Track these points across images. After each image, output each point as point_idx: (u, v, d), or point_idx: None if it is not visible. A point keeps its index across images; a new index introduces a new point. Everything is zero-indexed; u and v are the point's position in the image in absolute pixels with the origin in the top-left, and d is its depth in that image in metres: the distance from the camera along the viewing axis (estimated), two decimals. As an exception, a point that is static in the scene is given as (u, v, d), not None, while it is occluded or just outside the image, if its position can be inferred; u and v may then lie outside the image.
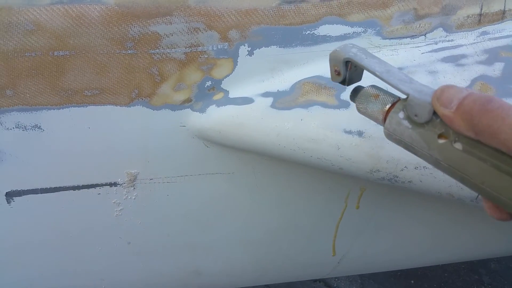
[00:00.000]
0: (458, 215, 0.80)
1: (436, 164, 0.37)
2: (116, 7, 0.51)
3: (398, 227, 0.82)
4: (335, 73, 0.44)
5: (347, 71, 0.43)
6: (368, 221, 0.78)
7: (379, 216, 0.78)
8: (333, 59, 0.43)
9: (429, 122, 0.36)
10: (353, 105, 0.56)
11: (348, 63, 0.43)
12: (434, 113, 0.36)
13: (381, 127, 0.54)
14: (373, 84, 0.42)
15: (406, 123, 0.38)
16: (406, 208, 0.79)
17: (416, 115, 0.37)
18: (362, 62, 0.41)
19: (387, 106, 0.40)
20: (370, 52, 0.43)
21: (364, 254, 0.85)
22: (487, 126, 0.31)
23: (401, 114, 0.38)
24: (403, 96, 0.39)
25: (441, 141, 0.35)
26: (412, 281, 1.62)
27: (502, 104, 0.31)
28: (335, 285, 1.60)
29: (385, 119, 0.40)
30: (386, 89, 0.42)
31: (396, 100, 0.40)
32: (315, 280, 1.59)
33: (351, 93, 0.44)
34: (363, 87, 0.43)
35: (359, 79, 0.45)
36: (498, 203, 0.33)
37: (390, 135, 0.40)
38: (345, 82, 0.45)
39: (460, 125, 0.33)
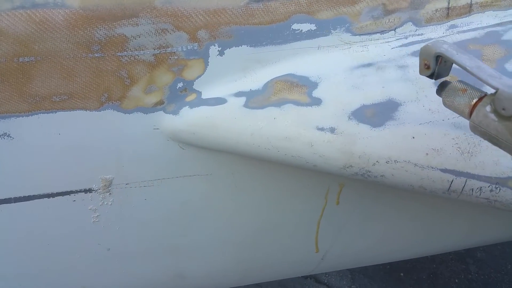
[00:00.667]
0: (441, 206, 0.80)
1: None
2: (81, 11, 0.50)
3: (381, 221, 0.83)
4: (425, 66, 0.46)
5: (437, 66, 0.45)
6: (349, 217, 0.79)
7: (360, 211, 0.79)
8: (424, 53, 0.45)
9: None
10: (325, 101, 0.57)
11: (438, 58, 0.44)
12: None
13: (352, 123, 0.54)
14: (460, 79, 0.44)
15: (492, 116, 0.40)
16: (387, 202, 0.79)
17: (503, 109, 0.39)
18: (454, 57, 0.43)
19: (474, 100, 0.42)
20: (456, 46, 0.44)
21: (348, 249, 0.85)
22: None
23: (488, 108, 0.40)
24: (491, 91, 0.41)
25: None
26: (402, 274, 1.64)
27: None
28: (325, 280, 1.61)
29: (471, 113, 0.42)
30: (473, 85, 0.43)
31: (484, 95, 0.42)
32: (306, 277, 1.60)
33: (438, 87, 0.46)
34: (451, 82, 0.45)
35: (447, 74, 0.47)
36: None
37: (475, 128, 0.41)
38: (433, 76, 0.46)
39: None
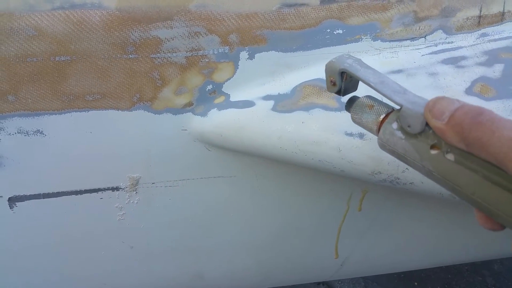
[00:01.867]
0: (461, 216, 0.79)
1: (429, 174, 0.37)
2: (117, 12, 0.51)
3: (401, 229, 0.82)
4: (331, 83, 0.45)
5: (343, 82, 0.44)
6: (371, 223, 0.78)
7: (382, 218, 0.78)
8: (328, 70, 0.44)
9: (422, 133, 0.36)
10: (354, 107, 0.56)
11: (343, 73, 0.43)
12: (427, 124, 0.36)
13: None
14: (368, 94, 0.43)
15: (399, 133, 0.38)
16: (408, 210, 0.79)
17: (409, 126, 0.37)
18: (357, 73, 0.41)
19: (381, 117, 0.40)
20: (365, 62, 0.43)
21: (367, 256, 0.84)
22: (477, 138, 0.31)
23: (395, 125, 0.38)
24: (397, 107, 0.39)
25: (433, 152, 0.35)
26: (416, 283, 1.62)
27: (492, 117, 0.31)
28: (338, 287, 1.60)
29: (379, 129, 0.40)
30: (381, 99, 0.42)
31: (390, 111, 0.40)
32: (318, 283, 1.59)
33: (346, 103, 0.45)
34: (358, 97, 0.43)
35: (355, 89, 0.46)
36: (488, 213, 0.34)
37: (383, 146, 0.40)
38: (340, 92, 0.45)
39: (451, 137, 0.33)
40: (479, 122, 0.31)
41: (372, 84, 0.40)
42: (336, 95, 0.58)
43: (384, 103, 0.41)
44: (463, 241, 0.87)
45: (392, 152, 0.39)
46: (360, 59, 0.43)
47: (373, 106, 0.41)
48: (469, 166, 0.33)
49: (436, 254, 0.91)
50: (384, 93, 0.39)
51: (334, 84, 0.44)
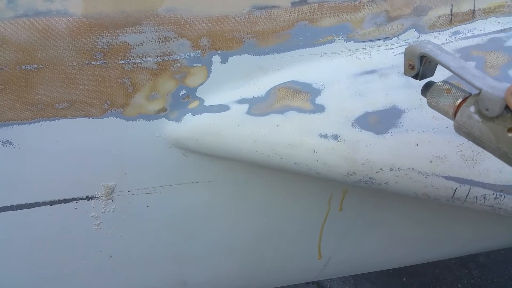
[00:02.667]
0: (444, 212, 0.80)
1: (504, 157, 0.38)
2: (84, 19, 0.50)
3: (383, 227, 0.82)
4: (409, 67, 0.45)
5: (421, 66, 0.45)
6: (352, 223, 0.78)
7: (363, 217, 0.78)
8: (408, 54, 0.45)
9: (499, 117, 0.38)
10: (328, 108, 0.57)
11: (423, 58, 0.44)
12: (506, 108, 0.37)
13: (355, 130, 0.54)
14: (445, 80, 0.44)
15: (476, 116, 0.39)
16: (389, 208, 0.79)
17: (487, 109, 0.38)
18: (438, 57, 0.42)
19: (459, 101, 0.42)
20: (445, 49, 0.44)
21: (351, 255, 0.85)
22: None
23: (472, 108, 0.40)
24: (475, 92, 0.40)
25: (510, 134, 0.37)
26: (405, 279, 1.63)
27: None
28: (328, 286, 1.60)
29: (455, 113, 0.41)
30: (457, 85, 0.43)
31: (468, 95, 0.41)
32: (308, 283, 1.59)
33: (423, 87, 0.45)
34: (435, 82, 0.44)
35: (432, 74, 0.46)
36: None
37: (460, 128, 0.41)
38: (417, 76, 0.46)
39: None
40: None
41: (452, 68, 0.41)
42: (310, 96, 0.58)
43: (461, 88, 0.42)
44: (447, 236, 0.88)
45: (468, 135, 0.41)
46: (439, 45, 0.44)
47: (450, 90, 0.42)
48: None
49: (421, 251, 0.92)
50: (465, 77, 0.40)
51: (413, 68, 0.45)
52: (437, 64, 0.43)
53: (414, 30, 0.61)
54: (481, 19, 0.63)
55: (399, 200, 0.76)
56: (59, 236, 0.66)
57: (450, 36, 0.63)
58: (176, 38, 0.53)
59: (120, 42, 0.52)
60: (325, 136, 0.55)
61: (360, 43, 0.59)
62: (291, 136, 0.56)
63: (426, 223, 0.83)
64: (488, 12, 0.63)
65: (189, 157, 0.63)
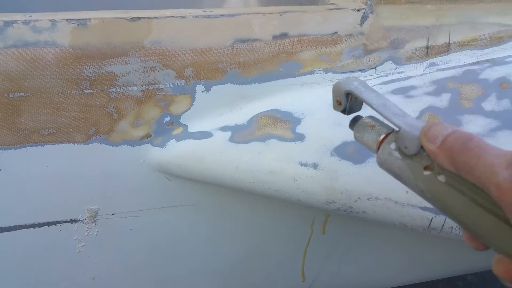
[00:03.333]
0: (424, 237, 0.81)
1: (421, 194, 0.39)
2: (71, 49, 0.52)
3: (367, 249, 0.83)
4: (337, 103, 0.47)
5: (348, 102, 0.46)
6: (335, 246, 0.79)
7: (346, 240, 0.80)
8: (335, 91, 0.47)
9: (417, 155, 0.39)
10: (307, 137, 0.58)
11: (349, 94, 0.46)
12: (422, 146, 0.39)
13: (334, 159, 0.56)
14: (371, 115, 0.45)
15: (396, 154, 0.40)
16: (372, 231, 0.80)
17: (405, 147, 0.39)
18: (361, 95, 0.44)
19: (381, 137, 0.43)
20: (369, 85, 0.46)
21: (335, 278, 0.85)
22: (465, 162, 0.33)
23: (393, 145, 0.41)
24: (396, 129, 0.42)
25: (426, 172, 0.38)
26: (392, 298, 1.63)
27: (480, 143, 0.34)
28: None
29: (378, 148, 0.43)
30: (382, 121, 0.45)
31: (390, 132, 0.43)
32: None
33: (350, 122, 0.47)
34: (362, 117, 0.46)
35: (359, 109, 0.48)
36: (474, 234, 0.36)
37: (382, 164, 0.42)
38: (345, 111, 0.48)
39: (443, 160, 0.36)
40: (468, 147, 0.34)
41: (374, 106, 0.43)
42: (290, 125, 0.59)
43: (385, 124, 0.44)
44: (428, 260, 0.89)
45: (389, 171, 0.42)
46: (365, 82, 0.45)
47: (374, 126, 0.44)
48: (458, 188, 0.35)
49: (403, 272, 0.92)
50: (385, 115, 0.41)
51: (340, 104, 0.47)
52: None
53: (391, 62, 0.64)
54: (456, 52, 0.66)
55: (381, 225, 0.78)
56: (43, 258, 0.66)
57: (426, 68, 0.65)
58: (161, 68, 0.55)
59: (107, 72, 0.54)
60: (305, 165, 0.57)
61: (339, 74, 0.61)
62: (272, 163, 0.58)
63: (407, 247, 0.84)
64: (463, 45, 0.66)
65: (173, 181, 0.64)
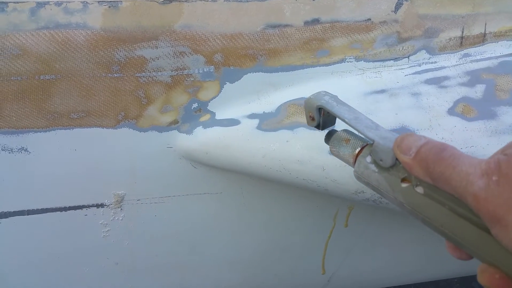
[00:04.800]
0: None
1: (401, 206, 0.38)
2: (102, 32, 0.52)
3: (388, 244, 0.82)
4: (310, 118, 0.47)
5: (321, 117, 0.46)
6: (357, 239, 0.78)
7: (368, 234, 0.79)
8: (307, 106, 0.46)
9: (393, 167, 0.38)
10: (337, 126, 0.57)
11: (321, 109, 0.45)
12: (397, 158, 0.38)
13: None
14: (345, 129, 0.45)
15: (373, 167, 0.39)
16: (395, 226, 0.79)
17: (381, 160, 0.38)
18: (333, 110, 0.44)
19: (357, 150, 0.42)
20: (341, 99, 0.45)
21: (354, 272, 0.84)
22: (441, 173, 0.33)
23: (369, 158, 0.40)
24: (371, 142, 0.41)
25: (404, 185, 0.37)
26: (406, 296, 1.61)
27: (454, 153, 0.33)
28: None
29: (354, 162, 0.42)
30: (357, 134, 0.44)
31: (365, 145, 0.42)
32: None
33: (325, 136, 0.46)
34: (336, 131, 0.45)
35: (333, 123, 0.48)
36: (456, 244, 0.35)
37: (359, 178, 0.42)
38: (319, 126, 0.47)
39: (418, 171, 0.35)
40: (442, 157, 0.33)
41: (346, 120, 0.42)
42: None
43: (359, 137, 0.43)
44: (450, 257, 0.87)
45: (367, 184, 0.41)
46: (336, 96, 0.45)
47: (349, 140, 0.43)
48: (437, 199, 0.35)
49: (424, 269, 0.91)
50: (358, 128, 0.41)
51: (313, 119, 0.46)
52: None
53: (424, 51, 0.62)
54: (492, 42, 0.64)
55: (404, 218, 0.76)
56: (68, 242, 0.67)
57: (460, 58, 0.63)
58: (190, 53, 0.55)
59: (137, 56, 0.53)
60: (334, 154, 0.56)
61: (371, 62, 0.60)
62: (300, 152, 0.57)
63: (429, 242, 0.83)
64: (499, 36, 0.64)
65: (198, 169, 0.64)
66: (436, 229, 0.36)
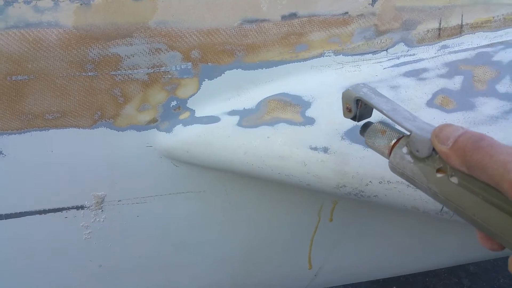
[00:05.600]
0: (435, 223, 0.81)
1: (435, 196, 0.39)
2: (74, 30, 0.50)
3: (374, 237, 0.82)
4: (347, 110, 0.47)
5: (358, 109, 0.46)
6: (343, 233, 0.79)
7: (353, 227, 0.79)
8: (345, 98, 0.46)
9: (429, 157, 0.39)
10: (318, 121, 0.57)
11: (358, 101, 0.46)
12: (434, 149, 0.39)
13: (345, 143, 0.54)
14: (381, 120, 0.45)
15: (408, 157, 0.40)
16: (380, 218, 0.79)
17: (417, 151, 0.39)
18: (371, 101, 0.44)
19: (393, 142, 0.43)
20: (378, 91, 0.46)
21: (341, 265, 0.85)
22: (478, 162, 0.34)
23: (405, 149, 0.41)
24: (407, 133, 0.41)
25: (439, 175, 0.38)
26: (395, 287, 1.63)
27: (491, 142, 0.34)
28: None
29: (390, 154, 0.43)
30: (393, 125, 0.45)
31: (401, 136, 0.43)
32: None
33: (361, 128, 0.47)
34: (372, 123, 0.46)
35: (369, 115, 0.48)
36: (488, 234, 0.36)
37: (394, 168, 0.42)
38: (355, 118, 0.47)
39: (455, 161, 0.36)
40: (480, 146, 0.34)
41: (384, 111, 0.43)
42: (300, 109, 0.58)
43: (395, 129, 0.44)
44: (438, 247, 0.88)
45: (402, 175, 0.42)
46: (374, 88, 0.45)
47: (385, 131, 0.44)
48: (471, 189, 0.35)
49: (411, 261, 0.92)
50: (396, 119, 0.42)
51: (350, 111, 0.47)
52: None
53: (403, 43, 0.62)
54: (469, 34, 0.64)
55: (390, 210, 0.77)
56: (49, 245, 0.66)
57: (438, 50, 0.64)
58: (167, 50, 0.54)
59: (111, 53, 0.52)
60: (315, 149, 0.55)
61: (350, 56, 0.60)
62: (281, 148, 0.56)
63: (417, 234, 0.84)
64: (476, 27, 0.65)
65: (180, 168, 0.63)
66: (469, 218, 0.36)
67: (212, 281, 0.79)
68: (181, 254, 0.73)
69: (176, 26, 0.53)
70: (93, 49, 0.51)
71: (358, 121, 0.48)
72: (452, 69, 0.61)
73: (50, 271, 0.69)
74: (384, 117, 0.43)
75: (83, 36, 0.51)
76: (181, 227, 0.70)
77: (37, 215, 0.62)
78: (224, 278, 0.79)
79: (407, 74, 0.60)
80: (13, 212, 0.61)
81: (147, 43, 0.53)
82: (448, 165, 0.37)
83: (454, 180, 0.37)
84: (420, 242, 0.86)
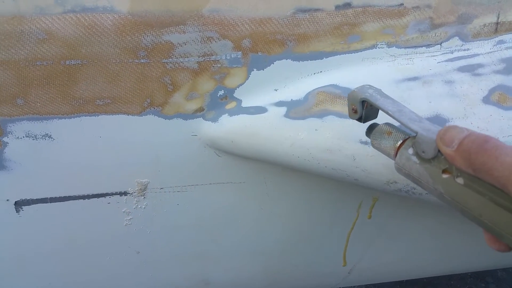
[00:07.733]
0: (467, 226, 0.78)
1: (440, 197, 0.39)
2: (129, 16, 0.50)
3: (409, 237, 0.81)
4: (352, 111, 0.47)
5: (363, 110, 0.47)
6: (380, 231, 0.77)
7: (391, 226, 0.77)
8: (351, 99, 0.47)
9: (434, 158, 0.39)
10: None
11: (364, 102, 0.46)
12: (439, 150, 0.39)
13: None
14: (387, 122, 0.45)
15: (414, 158, 0.41)
16: (417, 219, 0.78)
17: (423, 152, 0.40)
18: (377, 102, 0.44)
19: (398, 143, 0.43)
20: (385, 93, 0.45)
21: (375, 264, 0.83)
22: (483, 163, 0.34)
23: (410, 150, 0.41)
24: (413, 134, 0.42)
25: (445, 176, 0.38)
26: (417, 288, 1.61)
27: (496, 144, 0.34)
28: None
29: (396, 155, 0.43)
30: (399, 127, 0.45)
31: (407, 138, 0.43)
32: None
33: (367, 129, 0.47)
34: (378, 124, 0.46)
35: (375, 117, 0.48)
36: (495, 235, 0.36)
37: (400, 169, 0.43)
38: (361, 119, 0.48)
39: (460, 162, 0.36)
40: (485, 148, 0.34)
41: (390, 112, 0.43)
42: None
43: (401, 130, 0.44)
44: (470, 251, 0.86)
45: (408, 176, 0.42)
46: (380, 89, 0.45)
47: (391, 132, 0.44)
48: (477, 190, 0.35)
49: (443, 263, 0.90)
50: (402, 121, 0.42)
51: (356, 112, 0.47)
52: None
53: (457, 38, 0.60)
54: (528, 29, 0.62)
55: (426, 211, 0.75)
56: (90, 230, 0.67)
57: (494, 45, 0.61)
58: (218, 38, 0.53)
59: (164, 41, 0.52)
60: (366, 143, 0.54)
61: (403, 49, 0.58)
62: (329, 141, 0.55)
63: (449, 236, 0.82)
64: (535, 22, 0.62)
65: (222, 158, 0.63)
66: (475, 219, 0.36)
67: (245, 273, 0.79)
68: (216, 243, 0.73)
69: (229, 15, 0.52)
70: (147, 36, 0.51)
71: (363, 122, 0.48)
72: (510, 65, 0.59)
73: (90, 255, 0.70)
74: (391, 118, 0.43)
75: (137, 23, 0.51)
76: (219, 217, 0.70)
77: (81, 200, 0.63)
78: (257, 270, 0.79)
79: (462, 69, 0.58)
80: (58, 196, 0.62)
81: (200, 31, 0.52)
82: (453, 166, 0.37)
83: (460, 181, 0.37)
84: (454, 244, 0.84)
